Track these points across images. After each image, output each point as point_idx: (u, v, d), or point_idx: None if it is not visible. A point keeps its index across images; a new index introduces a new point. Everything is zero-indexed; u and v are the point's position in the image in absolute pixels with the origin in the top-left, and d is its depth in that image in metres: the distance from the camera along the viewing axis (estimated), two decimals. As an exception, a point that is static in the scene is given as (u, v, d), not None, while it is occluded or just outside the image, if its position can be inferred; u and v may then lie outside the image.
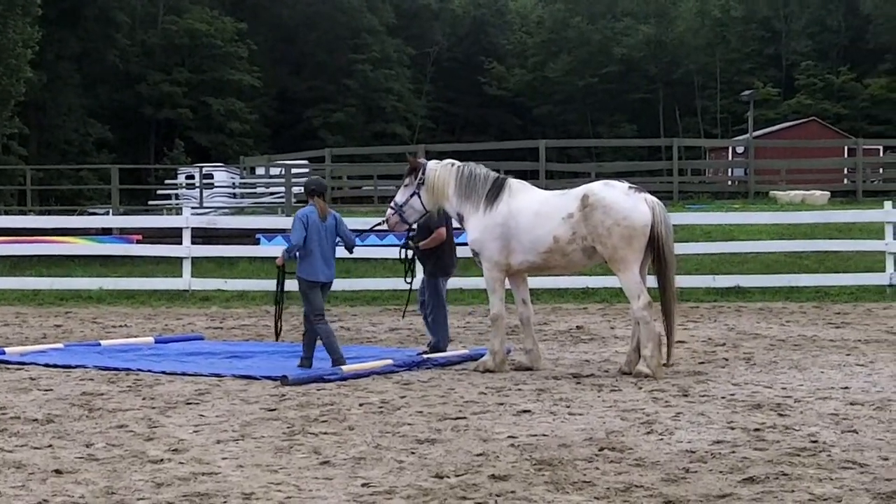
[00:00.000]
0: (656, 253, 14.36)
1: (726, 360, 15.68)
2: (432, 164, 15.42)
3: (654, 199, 14.51)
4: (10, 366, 15.54)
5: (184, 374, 14.62)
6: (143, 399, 12.81)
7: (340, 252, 15.70)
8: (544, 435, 10.57)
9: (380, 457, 9.71)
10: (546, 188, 36.73)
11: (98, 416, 11.71)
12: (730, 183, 52.16)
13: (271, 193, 46.12)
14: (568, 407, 12.09)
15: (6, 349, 16.65)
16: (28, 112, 66.49)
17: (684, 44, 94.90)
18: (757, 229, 30.68)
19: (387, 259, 25.17)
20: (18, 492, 8.59)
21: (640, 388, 13.31)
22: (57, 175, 63.87)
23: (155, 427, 11.13)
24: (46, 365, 15.47)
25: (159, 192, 51.76)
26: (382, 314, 22.72)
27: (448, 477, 8.97)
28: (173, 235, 27.29)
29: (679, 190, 44.08)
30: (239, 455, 9.83)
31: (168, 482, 8.86)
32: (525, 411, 11.85)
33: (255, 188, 48.48)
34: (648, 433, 10.60)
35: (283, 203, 40.03)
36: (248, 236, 28.38)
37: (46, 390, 13.47)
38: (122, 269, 28.51)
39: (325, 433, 10.75)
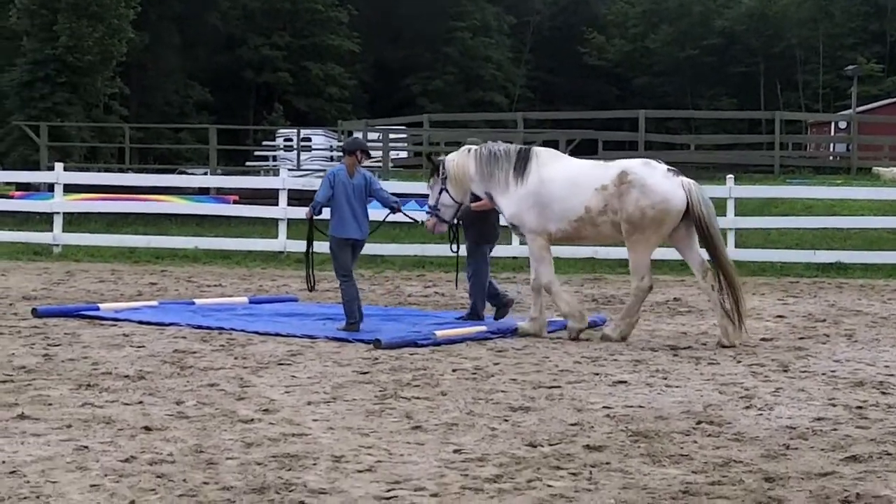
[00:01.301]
0: (701, 233, 14.34)
1: (827, 336, 15.33)
2: (450, 156, 15.47)
3: (691, 181, 14.48)
4: (104, 322, 15.53)
5: (277, 334, 14.53)
6: (236, 358, 12.72)
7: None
8: (640, 406, 10.35)
9: (472, 423, 9.54)
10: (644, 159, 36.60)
11: (189, 374, 11.63)
12: (831, 158, 51.26)
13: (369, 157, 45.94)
14: (665, 379, 11.84)
15: (100, 305, 16.67)
16: (129, 73, 66.88)
17: (787, 17, 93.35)
18: (859, 205, 30.06)
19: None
20: (107, 447, 8.51)
21: (739, 361, 13.03)
22: (156, 135, 64.19)
23: (246, 387, 11.03)
24: (140, 322, 15.43)
25: (257, 153, 51.83)
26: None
27: (541, 446, 8.79)
28: (270, 197, 27.25)
29: (780, 164, 43.40)
30: (329, 417, 9.70)
31: (257, 442, 8.75)
32: (621, 382, 11.62)
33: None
34: (747, 408, 10.33)
35: (380, 167, 39.84)
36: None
37: (139, 347, 13.43)
38: (218, 229, 28.50)
39: (418, 398, 10.59)
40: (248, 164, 50.36)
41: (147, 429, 9.11)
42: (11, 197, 30.18)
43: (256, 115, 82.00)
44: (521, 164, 14.86)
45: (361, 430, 9.20)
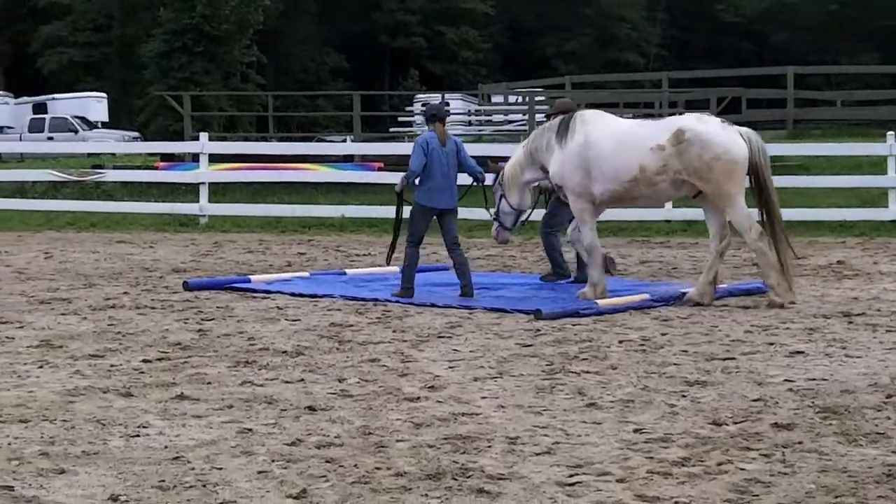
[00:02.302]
0: (758, 184, 14.19)
1: None
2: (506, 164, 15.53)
3: (749, 130, 14.40)
4: (256, 294, 15.29)
5: (433, 305, 14.16)
6: (394, 331, 12.36)
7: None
8: (823, 379, 9.76)
9: (649, 399, 9.05)
10: (794, 118, 35.65)
11: (349, 349, 11.29)
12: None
13: (510, 121, 45.48)
14: (844, 349, 11.22)
15: (251, 277, 16.44)
16: (265, 41, 66.96)
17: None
18: None
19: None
20: (271, 430, 8.18)
21: (920, 328, 12.37)
22: (294, 103, 64.23)
23: (408, 362, 10.65)
24: (293, 294, 15.16)
25: (401, 119, 51.62)
26: (630, 245, 21.98)
27: (726, 424, 8.27)
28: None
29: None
30: (498, 394, 9.28)
31: (427, 422, 8.35)
32: (798, 352, 11.03)
33: (491, 116, 47.90)
34: (939, 378, 9.72)
35: (524, 130, 39.33)
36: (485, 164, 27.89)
37: (294, 320, 13.13)
38: (364, 197, 28.18)
39: (587, 372, 10.13)
40: (391, 130, 50.07)
41: (311, 409, 8.76)
42: (156, 168, 30.24)
43: (392, 81, 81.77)
44: (564, 127, 14.66)
45: (533, 409, 8.77)
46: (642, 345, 11.48)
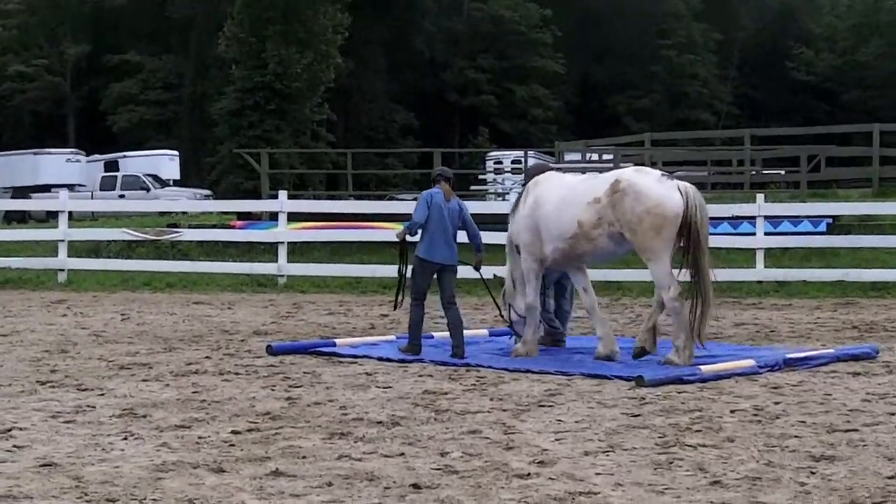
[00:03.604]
0: (689, 241, 13.95)
1: None
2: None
3: (689, 185, 14.21)
4: (342, 359, 14.77)
5: (528, 371, 13.57)
6: (491, 399, 11.78)
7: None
8: (957, 453, 9.11)
9: (776, 477, 8.41)
10: (880, 175, 34.91)
11: (447, 419, 10.70)
12: None
13: (589, 180, 44.77)
14: (971, 420, 10.55)
15: (336, 341, 15.93)
16: (335, 98, 66.96)
17: None
18: None
19: (720, 248, 23.79)
20: (377, 510, 7.62)
21: None
22: (364, 161, 64.02)
23: (511, 433, 10.05)
24: (380, 359, 14.65)
25: (480, 176, 51.15)
26: (721, 307, 21.22)
27: (865, 505, 7.64)
28: (495, 222, 26.27)
29: None
30: (613, 470, 8.67)
31: (542, 502, 7.76)
32: (923, 424, 10.37)
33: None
34: None
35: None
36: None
37: (385, 387, 12.58)
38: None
39: (704, 445, 9.50)
40: (472, 188, 49.57)
41: (416, 487, 8.18)
42: (233, 226, 29.89)
43: (461, 139, 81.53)
44: (521, 193, 15.24)
45: (654, 487, 8.15)
46: (756, 415, 10.84)
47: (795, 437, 9.81)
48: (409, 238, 15.44)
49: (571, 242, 14.37)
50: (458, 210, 15.21)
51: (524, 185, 15.76)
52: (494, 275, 16.56)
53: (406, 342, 15.16)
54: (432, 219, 14.95)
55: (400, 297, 15.72)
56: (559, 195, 14.56)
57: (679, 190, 13.93)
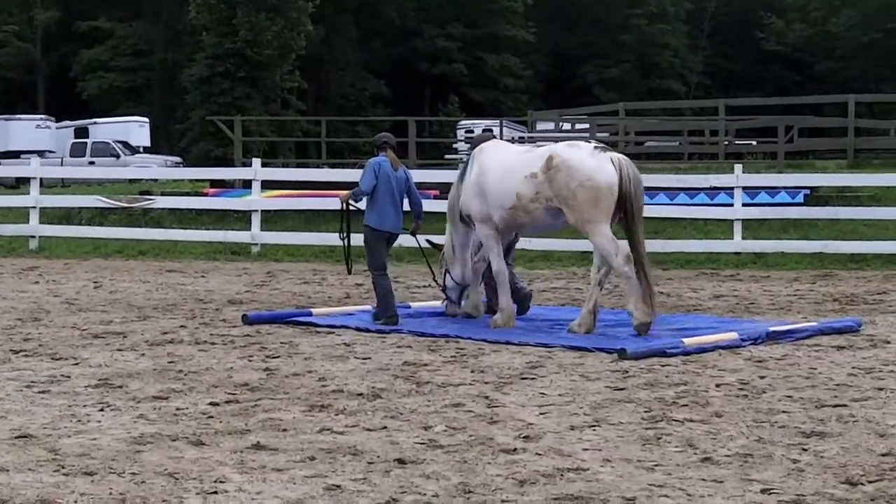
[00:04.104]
0: (625, 211, 13.99)
1: None
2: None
3: (622, 156, 14.28)
4: (319, 329, 14.58)
5: (508, 342, 13.42)
6: (472, 372, 11.61)
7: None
8: (948, 429, 8.99)
9: (767, 453, 8.27)
10: (855, 146, 34.88)
11: (428, 392, 10.53)
12: None
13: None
14: (960, 394, 10.44)
15: (312, 310, 15.73)
16: (306, 67, 66.54)
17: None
18: None
19: (697, 219, 23.75)
20: (361, 486, 7.44)
21: None
22: (334, 129, 63.71)
23: (495, 406, 9.88)
24: (358, 329, 14.48)
25: (452, 145, 50.88)
26: (699, 278, 21.19)
27: (861, 484, 7.49)
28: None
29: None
30: (601, 445, 8.51)
31: (530, 479, 7.59)
32: (911, 398, 10.26)
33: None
34: None
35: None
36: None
37: (364, 359, 12.40)
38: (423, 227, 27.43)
39: (691, 420, 9.34)
40: (447, 157, 49.31)
41: (401, 462, 8.01)
42: (206, 194, 29.63)
43: (432, 107, 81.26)
44: (467, 162, 15.43)
45: (643, 463, 8.00)
46: (742, 389, 10.70)
47: (784, 412, 9.67)
48: (352, 204, 15.66)
49: (511, 213, 14.53)
50: (405, 178, 15.38)
51: (469, 153, 15.86)
52: (428, 240, 16.55)
53: (381, 312, 15.01)
54: (381, 188, 15.08)
55: (349, 263, 16.03)
56: (502, 164, 14.70)
57: (612, 161, 13.98)
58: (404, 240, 16.27)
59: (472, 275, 15.49)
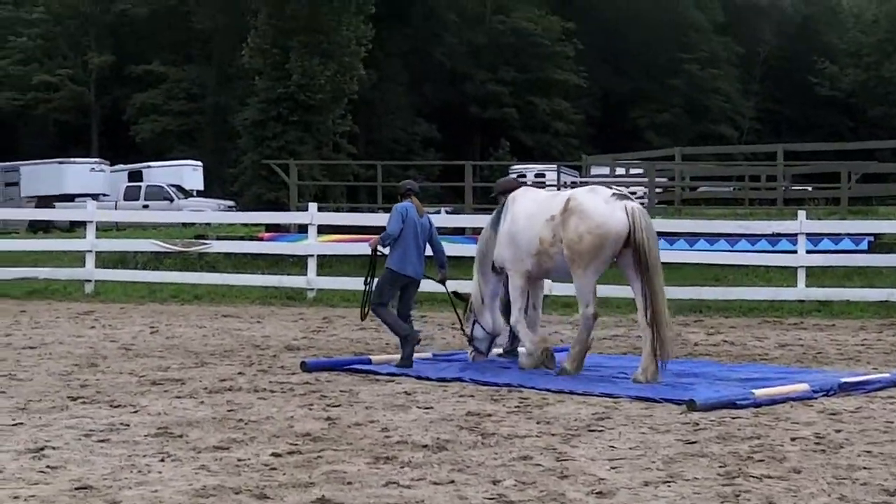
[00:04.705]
0: (639, 260, 13.93)
1: None
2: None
3: (636, 205, 14.28)
4: (378, 377, 14.36)
5: (572, 392, 13.13)
6: (538, 423, 11.32)
7: None
8: None
9: (852, 513, 7.96)
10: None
11: (494, 444, 10.25)
12: None
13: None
14: None
15: (371, 358, 15.52)
16: (357, 111, 66.58)
17: None
18: None
19: (759, 266, 23.40)
20: (433, 543, 7.18)
21: None
22: (386, 173, 63.70)
23: (564, 460, 9.58)
24: (418, 377, 14.24)
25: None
26: (762, 326, 20.85)
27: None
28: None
29: None
30: (677, 502, 8.21)
31: (608, 538, 7.32)
32: None
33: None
34: None
35: (643, 202, 38.01)
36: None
37: (426, 408, 12.15)
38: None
39: (769, 476, 9.01)
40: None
41: (471, 518, 7.76)
42: (261, 238, 29.51)
43: (483, 151, 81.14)
44: (498, 212, 15.43)
45: (724, 522, 7.71)
46: (818, 443, 10.36)
47: (864, 468, 9.33)
48: (380, 249, 15.73)
49: (536, 258, 14.67)
50: (429, 226, 15.61)
51: (493, 198, 15.96)
52: (454, 292, 16.35)
53: (401, 359, 15.14)
54: (406, 233, 15.31)
55: (366, 309, 15.93)
56: (528, 211, 14.86)
57: (625, 210, 13.97)
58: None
59: (505, 323, 15.56)
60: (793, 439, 10.54)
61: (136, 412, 11.77)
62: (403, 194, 15.81)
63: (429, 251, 15.92)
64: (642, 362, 13.88)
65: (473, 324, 15.67)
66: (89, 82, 78.89)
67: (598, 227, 13.94)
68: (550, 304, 23.24)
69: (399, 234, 15.29)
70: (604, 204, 14.08)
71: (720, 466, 9.36)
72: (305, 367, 14.82)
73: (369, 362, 15.20)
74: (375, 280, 15.79)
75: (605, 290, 22.88)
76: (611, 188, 14.69)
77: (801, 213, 23.89)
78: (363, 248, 26.39)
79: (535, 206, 14.88)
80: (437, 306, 22.55)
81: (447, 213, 38.93)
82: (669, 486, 8.70)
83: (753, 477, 9.00)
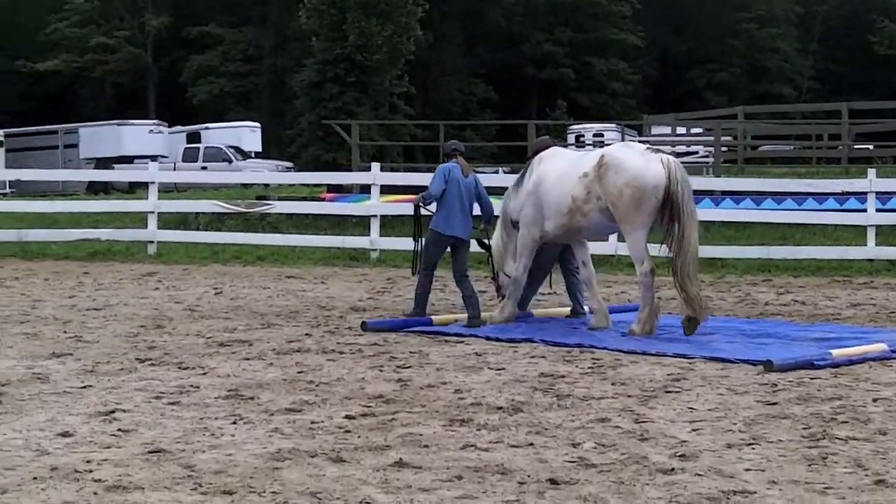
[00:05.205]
0: (673, 212, 13.98)
1: None
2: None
3: (672, 158, 14.34)
4: (448, 338, 14.20)
5: (644, 353, 12.94)
6: (613, 384, 11.12)
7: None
8: None
9: (943, 474, 7.73)
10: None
11: (571, 406, 10.07)
12: None
13: (686, 153, 43.64)
14: None
15: (432, 318, 15.39)
16: (414, 72, 66.35)
17: None
18: None
19: (827, 225, 23.08)
20: (514, 509, 7.01)
21: None
22: (442, 133, 63.51)
23: (643, 422, 9.38)
24: (487, 338, 14.07)
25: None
26: (832, 286, 20.53)
27: None
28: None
29: None
30: (763, 465, 7.99)
31: (694, 502, 7.11)
32: None
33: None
34: None
35: (706, 162, 37.61)
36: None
37: (498, 369, 11.97)
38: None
39: (855, 438, 8.79)
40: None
41: (553, 482, 7.55)
42: (323, 199, 29.37)
43: (539, 112, 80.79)
44: (524, 171, 15.51)
45: (813, 486, 7.48)
46: (902, 404, 10.13)
47: (953, 429, 9.11)
48: (422, 208, 15.66)
49: (568, 217, 14.62)
50: (475, 185, 15.46)
51: (528, 160, 15.77)
52: (479, 241, 16.25)
53: (469, 319, 15.18)
54: (450, 193, 15.21)
55: (417, 267, 15.95)
56: (557, 171, 14.82)
57: (661, 162, 14.01)
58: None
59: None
60: (874, 400, 10.33)
61: (204, 374, 11.66)
62: (449, 154, 15.82)
63: (477, 210, 15.80)
64: (639, 314, 14.29)
65: (497, 274, 15.86)
66: (146, 44, 79.10)
67: (634, 178, 13.95)
68: (616, 263, 23.07)
69: (441, 195, 15.25)
70: (640, 156, 14.18)
71: (804, 428, 9.15)
72: (366, 328, 14.71)
73: (430, 323, 15.07)
74: (423, 239, 15.77)
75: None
76: (643, 144, 14.78)
77: (871, 172, 23.47)
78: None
79: (565, 164, 14.88)
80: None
81: (504, 173, 38.65)
82: (753, 449, 8.50)
83: (839, 439, 8.79)
